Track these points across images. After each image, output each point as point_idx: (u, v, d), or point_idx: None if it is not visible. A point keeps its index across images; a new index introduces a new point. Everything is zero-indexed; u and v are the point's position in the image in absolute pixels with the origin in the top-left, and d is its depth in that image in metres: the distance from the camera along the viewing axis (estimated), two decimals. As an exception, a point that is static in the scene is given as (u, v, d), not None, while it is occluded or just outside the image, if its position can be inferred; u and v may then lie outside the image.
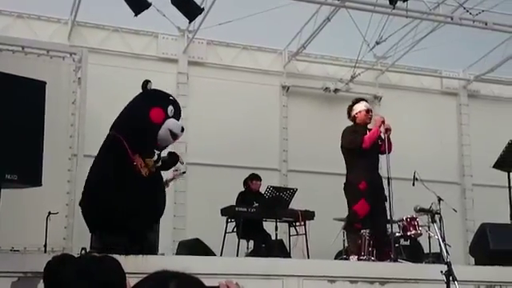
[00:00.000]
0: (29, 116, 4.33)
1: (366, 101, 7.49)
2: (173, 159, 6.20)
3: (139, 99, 5.81)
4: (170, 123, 5.64)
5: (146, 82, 5.79)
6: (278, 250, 8.06)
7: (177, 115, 5.78)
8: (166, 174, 6.74)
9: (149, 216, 5.69)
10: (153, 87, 5.92)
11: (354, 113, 7.24)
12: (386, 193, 6.65)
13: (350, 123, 7.39)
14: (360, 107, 7.22)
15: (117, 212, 5.36)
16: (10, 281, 4.55)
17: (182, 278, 1.57)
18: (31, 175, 4.29)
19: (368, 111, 7.15)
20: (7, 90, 4.24)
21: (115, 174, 5.48)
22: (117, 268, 2.40)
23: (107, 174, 5.52)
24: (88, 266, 2.37)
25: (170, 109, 5.68)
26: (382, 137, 6.90)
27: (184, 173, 6.38)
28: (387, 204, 6.64)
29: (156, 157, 5.61)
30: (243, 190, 8.98)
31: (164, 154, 6.06)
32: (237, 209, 8.05)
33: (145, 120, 5.59)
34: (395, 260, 6.31)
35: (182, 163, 6.45)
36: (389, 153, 6.96)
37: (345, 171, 7.31)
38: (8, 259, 4.56)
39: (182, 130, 5.75)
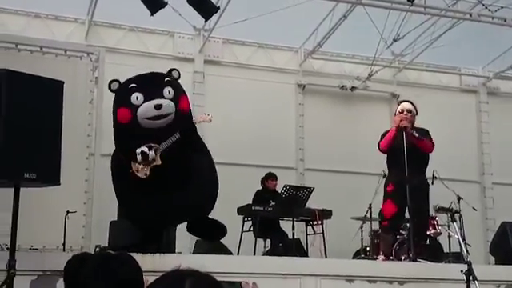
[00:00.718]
0: (47, 115, 4.35)
1: (409, 101, 7.21)
2: (187, 128, 5.53)
3: (112, 105, 5.54)
4: (140, 112, 5.25)
5: (109, 84, 5.48)
6: (295, 249, 8.03)
7: (149, 95, 5.29)
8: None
9: (159, 215, 5.46)
10: (131, 77, 5.65)
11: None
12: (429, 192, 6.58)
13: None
14: (398, 108, 7.05)
15: (131, 217, 5.53)
16: (30, 279, 4.58)
17: (197, 277, 1.57)
18: (50, 174, 4.31)
19: (402, 111, 6.95)
20: (25, 89, 4.27)
21: (121, 187, 5.57)
22: (133, 265, 2.40)
23: (115, 190, 5.66)
24: (105, 263, 2.37)
25: (135, 97, 5.28)
26: (416, 135, 6.74)
27: (210, 121, 5.71)
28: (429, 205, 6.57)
29: (139, 157, 5.21)
30: (260, 188, 8.96)
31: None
32: (253, 208, 8.03)
33: (118, 125, 5.44)
34: (414, 260, 6.25)
35: (210, 120, 5.62)
36: (428, 151, 6.83)
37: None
38: (27, 258, 4.59)
39: (157, 107, 5.24)
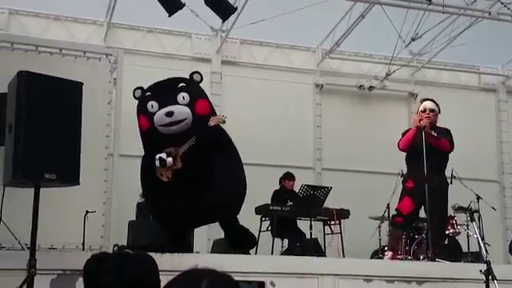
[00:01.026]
0: (66, 116, 4.39)
1: (432, 100, 7.16)
2: (204, 130, 5.61)
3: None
4: (156, 120, 5.46)
5: (134, 92, 5.65)
6: (313, 248, 8.02)
7: (162, 102, 5.45)
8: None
9: (180, 215, 5.56)
10: (149, 85, 5.86)
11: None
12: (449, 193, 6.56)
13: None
14: (420, 107, 7.02)
15: (156, 217, 5.82)
16: (50, 278, 4.64)
17: (214, 276, 1.58)
18: (69, 174, 4.35)
19: (424, 111, 6.91)
20: (45, 91, 4.31)
21: (148, 188, 5.78)
22: (149, 265, 2.42)
23: (143, 193, 5.99)
24: (120, 263, 2.40)
25: (150, 105, 5.48)
26: (434, 134, 6.71)
27: (224, 122, 5.80)
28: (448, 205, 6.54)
29: (158, 163, 5.40)
30: (277, 188, 8.96)
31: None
32: (271, 207, 8.03)
33: (141, 132, 5.67)
34: (433, 259, 6.21)
35: (223, 122, 5.71)
36: (447, 150, 6.80)
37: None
38: (47, 257, 4.64)
39: (168, 115, 5.40)
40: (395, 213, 7.06)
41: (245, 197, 5.89)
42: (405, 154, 6.91)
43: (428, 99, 7.18)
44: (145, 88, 5.70)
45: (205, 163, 5.57)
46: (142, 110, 5.53)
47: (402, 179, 6.97)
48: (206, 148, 5.57)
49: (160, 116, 5.41)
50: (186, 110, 5.48)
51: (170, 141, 5.42)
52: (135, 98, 5.66)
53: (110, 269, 2.38)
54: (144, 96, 5.59)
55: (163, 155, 5.36)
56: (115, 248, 6.59)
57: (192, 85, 5.72)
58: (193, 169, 5.45)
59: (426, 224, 6.91)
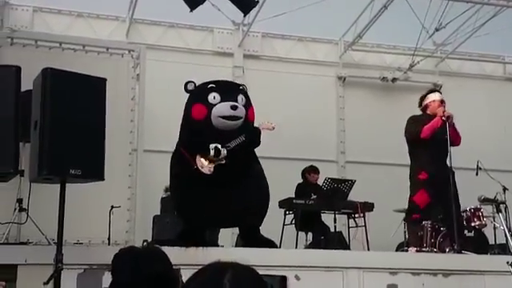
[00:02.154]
0: (91, 113, 4.42)
1: (438, 91, 7.27)
2: (253, 133, 5.82)
3: (186, 103, 5.77)
4: (216, 110, 5.47)
5: (186, 84, 5.70)
6: (337, 242, 8.00)
7: (226, 96, 5.52)
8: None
9: (217, 216, 5.56)
10: (209, 80, 5.89)
11: (427, 101, 7.07)
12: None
13: (408, 112, 7.25)
14: (434, 97, 7.03)
15: (185, 213, 5.75)
16: (76, 273, 4.69)
17: (237, 269, 1.58)
18: (94, 170, 4.38)
19: (442, 102, 6.93)
20: (69, 87, 4.35)
21: (180, 182, 5.71)
22: (165, 261, 2.44)
23: (172, 185, 5.89)
24: (136, 259, 2.43)
25: (212, 96, 5.50)
26: (455, 127, 6.70)
27: (273, 129, 5.96)
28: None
29: (213, 152, 5.37)
30: (301, 182, 8.95)
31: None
32: (295, 201, 8.02)
33: (190, 121, 5.60)
34: (459, 251, 6.15)
35: (272, 128, 5.94)
36: (457, 144, 6.77)
37: (403, 161, 7.18)
38: (74, 252, 4.69)
39: (233, 107, 5.46)
40: (411, 206, 6.99)
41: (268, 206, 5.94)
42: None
43: (436, 90, 7.30)
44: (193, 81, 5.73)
45: (246, 165, 5.70)
46: (200, 99, 5.56)
47: (411, 169, 6.93)
48: (248, 150, 5.74)
49: (224, 107, 5.47)
50: (244, 110, 5.61)
51: (217, 136, 5.48)
52: (187, 91, 5.69)
53: (131, 263, 2.41)
54: (206, 87, 5.66)
55: (218, 145, 5.40)
56: (144, 243, 6.64)
57: (246, 91, 5.85)
58: (235, 167, 5.50)
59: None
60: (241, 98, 5.65)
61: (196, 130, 5.57)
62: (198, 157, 5.39)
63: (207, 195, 5.45)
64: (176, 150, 5.76)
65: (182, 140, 5.71)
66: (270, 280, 4.78)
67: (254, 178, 5.76)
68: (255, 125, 5.86)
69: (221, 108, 5.48)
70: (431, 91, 7.26)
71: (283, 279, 5.03)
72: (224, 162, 5.41)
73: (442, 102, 6.94)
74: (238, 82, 10.84)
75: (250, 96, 5.85)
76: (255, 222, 5.80)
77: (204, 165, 5.39)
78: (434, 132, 6.71)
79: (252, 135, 5.71)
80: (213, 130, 5.48)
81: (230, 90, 5.72)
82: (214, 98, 5.51)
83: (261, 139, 5.89)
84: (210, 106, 5.47)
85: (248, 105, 5.71)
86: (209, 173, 5.38)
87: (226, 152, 5.40)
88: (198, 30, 11.36)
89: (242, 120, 5.58)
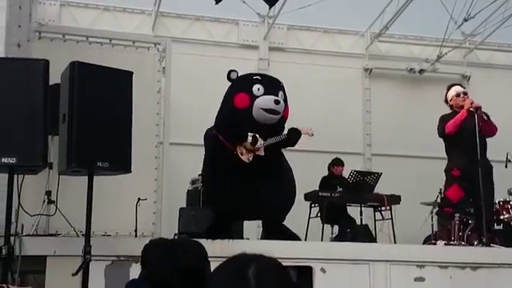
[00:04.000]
0: (117, 105, 4.45)
1: (459, 84, 7.19)
2: (294, 135, 5.85)
3: (227, 91, 5.79)
4: (259, 102, 5.51)
5: (229, 73, 5.75)
6: (364, 235, 7.96)
7: (269, 90, 5.59)
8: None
9: (246, 205, 5.56)
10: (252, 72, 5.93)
11: (449, 99, 7.07)
12: (494, 178, 6.48)
13: (436, 104, 7.23)
14: (451, 94, 7.01)
15: (214, 202, 5.81)
16: (104, 264, 4.74)
17: (262, 261, 1.57)
18: (121, 162, 4.41)
19: (458, 95, 6.89)
20: (97, 80, 4.38)
21: (213, 169, 5.73)
22: (197, 252, 2.45)
23: (207, 170, 5.89)
24: (169, 250, 2.43)
25: (256, 88, 5.55)
26: (485, 117, 6.61)
27: (312, 135, 6.04)
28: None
29: (250, 138, 5.41)
30: (326, 174, 8.92)
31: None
32: (320, 194, 8.00)
33: (231, 109, 5.62)
34: (488, 245, 6.08)
35: (311, 134, 5.99)
36: (493, 134, 6.70)
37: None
38: (102, 244, 4.74)
39: (276, 102, 5.52)
40: (444, 200, 6.95)
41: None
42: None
43: (457, 84, 7.22)
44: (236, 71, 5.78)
45: (281, 162, 5.83)
46: (244, 89, 5.59)
47: (446, 165, 6.88)
48: (283, 149, 5.86)
49: (268, 100, 5.52)
50: (283, 106, 5.67)
51: (254, 127, 5.52)
52: (230, 79, 5.72)
53: (159, 256, 2.42)
54: (251, 78, 5.74)
55: (257, 135, 5.46)
56: (175, 237, 6.68)
57: (284, 88, 5.89)
58: (272, 162, 5.62)
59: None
60: (281, 94, 5.70)
61: (235, 118, 5.60)
62: (238, 144, 5.46)
63: (237, 184, 5.50)
64: (211, 135, 5.77)
65: (218, 127, 5.73)
66: (295, 271, 4.79)
67: (283, 176, 5.82)
68: (297, 126, 5.89)
69: (264, 100, 5.53)
70: (449, 87, 7.18)
71: (307, 270, 5.03)
72: (263, 154, 5.49)
73: (459, 94, 6.89)
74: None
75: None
76: (278, 218, 5.82)
77: (243, 152, 5.46)
78: (459, 126, 6.63)
79: (293, 136, 5.78)
80: (252, 120, 5.52)
81: (273, 84, 5.77)
82: (259, 89, 5.56)
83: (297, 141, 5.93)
84: (254, 97, 5.52)
85: (286, 102, 5.77)
86: (247, 161, 5.43)
87: (262, 142, 5.47)
88: (223, 23, 11.36)
89: (279, 116, 5.63)
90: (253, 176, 5.47)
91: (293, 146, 5.90)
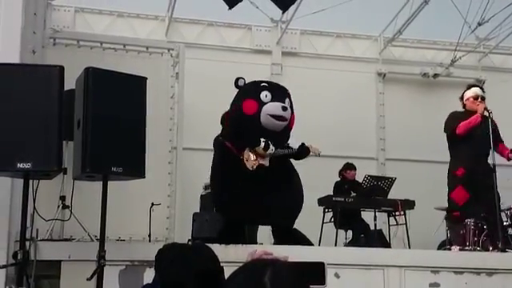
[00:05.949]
0: (131, 111, 4.46)
1: (481, 87, 7.14)
2: (303, 151, 5.93)
3: (234, 98, 5.82)
4: (267, 108, 5.54)
5: (236, 80, 5.78)
6: (378, 240, 7.92)
7: (276, 97, 5.61)
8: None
9: (253, 210, 5.57)
10: (248, 79, 5.93)
11: (464, 98, 7.03)
12: (498, 182, 6.40)
13: (450, 108, 7.19)
14: (468, 94, 6.99)
15: (221, 207, 5.83)
16: (119, 269, 4.76)
17: (277, 266, 1.57)
18: (135, 168, 4.43)
19: (476, 98, 6.85)
20: (111, 86, 4.40)
21: (221, 175, 5.77)
22: (209, 256, 2.45)
23: (214, 175, 5.89)
24: (181, 254, 2.44)
25: (264, 94, 5.57)
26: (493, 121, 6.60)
27: (319, 155, 6.10)
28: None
29: (263, 144, 5.42)
30: (338, 180, 8.89)
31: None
32: (334, 198, 7.97)
33: (239, 115, 5.64)
34: (503, 250, 6.02)
35: (318, 154, 6.12)
36: (501, 155, 6.69)
37: (445, 159, 7.09)
38: (116, 248, 4.76)
39: (284, 109, 5.54)
40: (450, 204, 6.89)
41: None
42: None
43: (476, 85, 7.22)
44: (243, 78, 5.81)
45: (286, 172, 5.82)
46: (252, 95, 5.63)
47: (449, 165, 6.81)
48: (290, 161, 5.89)
49: (276, 106, 5.55)
50: (290, 114, 5.69)
51: (262, 134, 5.54)
52: (238, 86, 5.75)
53: (172, 260, 2.42)
54: (259, 84, 5.76)
55: (269, 141, 5.48)
56: (189, 242, 6.70)
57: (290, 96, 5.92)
58: (274, 172, 5.61)
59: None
60: (288, 101, 5.72)
61: (243, 125, 5.63)
62: (246, 149, 5.47)
63: (243, 190, 5.51)
64: (219, 142, 5.82)
65: (225, 134, 5.79)
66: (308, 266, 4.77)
67: (290, 181, 5.81)
68: (308, 144, 5.96)
69: (272, 107, 5.55)
70: (469, 87, 7.14)
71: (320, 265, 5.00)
72: (267, 164, 5.50)
73: (477, 97, 6.86)
74: (276, 79, 10.91)
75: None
76: (285, 224, 5.82)
77: (250, 159, 5.46)
78: (470, 129, 6.63)
79: (303, 153, 5.84)
80: (259, 127, 5.53)
81: (280, 91, 5.81)
82: (266, 96, 5.59)
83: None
84: (262, 104, 5.55)
85: (292, 111, 5.78)
86: (250, 168, 5.44)
87: (273, 149, 5.48)
88: (236, 28, 11.39)
89: (287, 122, 5.65)
90: (259, 182, 5.48)
91: (298, 160, 5.94)
